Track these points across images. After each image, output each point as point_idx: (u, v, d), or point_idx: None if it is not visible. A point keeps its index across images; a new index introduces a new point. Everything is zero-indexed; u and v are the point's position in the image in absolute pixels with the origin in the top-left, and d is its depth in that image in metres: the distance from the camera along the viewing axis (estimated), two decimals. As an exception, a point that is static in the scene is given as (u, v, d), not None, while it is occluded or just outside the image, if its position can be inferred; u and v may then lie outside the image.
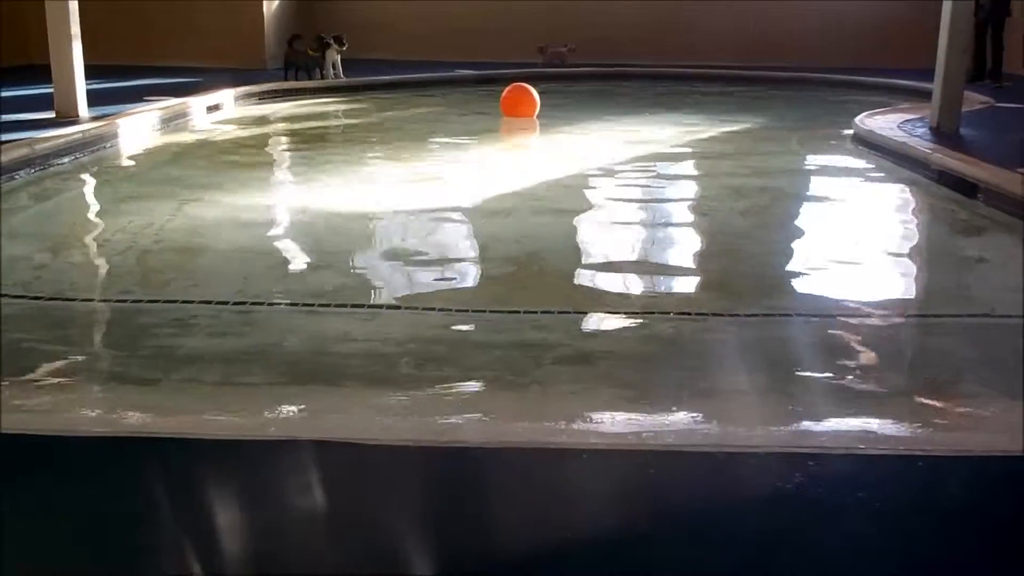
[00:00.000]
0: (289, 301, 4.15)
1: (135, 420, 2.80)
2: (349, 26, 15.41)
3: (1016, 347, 3.74)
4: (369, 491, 2.40)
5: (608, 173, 7.43)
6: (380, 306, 4.10)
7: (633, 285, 4.63)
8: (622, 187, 7.06)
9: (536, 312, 3.98)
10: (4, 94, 9.76)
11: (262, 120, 10.41)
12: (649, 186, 7.14)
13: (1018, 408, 3.05)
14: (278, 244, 5.44)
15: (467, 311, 4.08)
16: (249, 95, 11.37)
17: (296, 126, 10.15)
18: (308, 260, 5.11)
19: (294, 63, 12.37)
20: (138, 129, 8.56)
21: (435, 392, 3.15)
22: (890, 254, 5.24)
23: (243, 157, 8.09)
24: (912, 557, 2.09)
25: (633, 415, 2.91)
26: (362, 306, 4.10)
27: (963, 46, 7.96)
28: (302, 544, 2.15)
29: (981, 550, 2.14)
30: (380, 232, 5.59)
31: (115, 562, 2.07)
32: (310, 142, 9.20)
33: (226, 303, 4.03)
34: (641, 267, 4.88)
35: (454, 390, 3.16)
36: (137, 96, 9.92)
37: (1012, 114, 9.84)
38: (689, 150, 8.75)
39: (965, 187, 6.22)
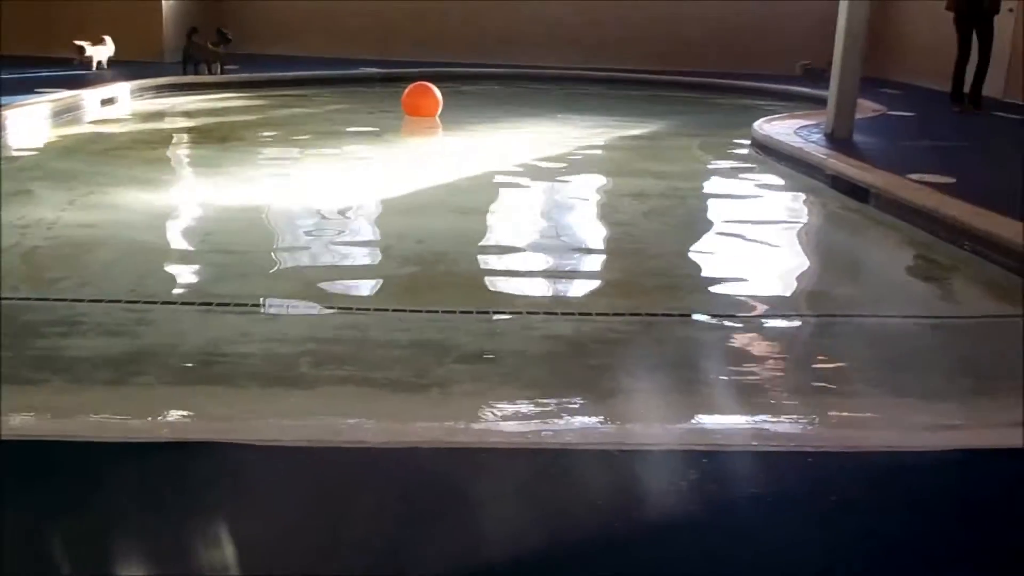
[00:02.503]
0: (185, 300, 4.06)
1: (19, 423, 2.70)
2: (254, 21, 15.23)
3: (904, 345, 3.88)
4: (264, 492, 2.36)
5: (512, 174, 7.46)
6: (281, 306, 4.02)
7: (538, 285, 4.66)
8: (526, 188, 7.09)
9: (438, 311, 3.97)
10: None
11: (159, 115, 10.17)
12: (554, 187, 7.18)
13: (905, 406, 3.17)
14: (176, 241, 5.32)
15: (369, 310, 4.06)
16: (146, 88, 11.11)
17: (195, 122, 9.94)
18: (206, 258, 5.00)
19: (193, 57, 12.12)
20: (27, 122, 8.27)
21: (333, 392, 3.12)
22: (784, 256, 5.37)
23: (138, 152, 7.89)
24: (804, 551, 2.14)
25: (534, 414, 2.92)
26: (260, 306, 4.03)
27: (858, 52, 8.17)
28: (193, 549, 2.10)
29: (869, 543, 2.20)
30: (280, 231, 5.51)
31: (-5, 570, 1.99)
32: (209, 138, 9.01)
33: (118, 301, 3.93)
34: (546, 267, 4.91)
35: (353, 390, 3.13)
36: (28, 88, 9.58)
37: (903, 121, 10.20)
38: (594, 152, 8.83)
39: (857, 192, 6.42)
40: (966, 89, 10.77)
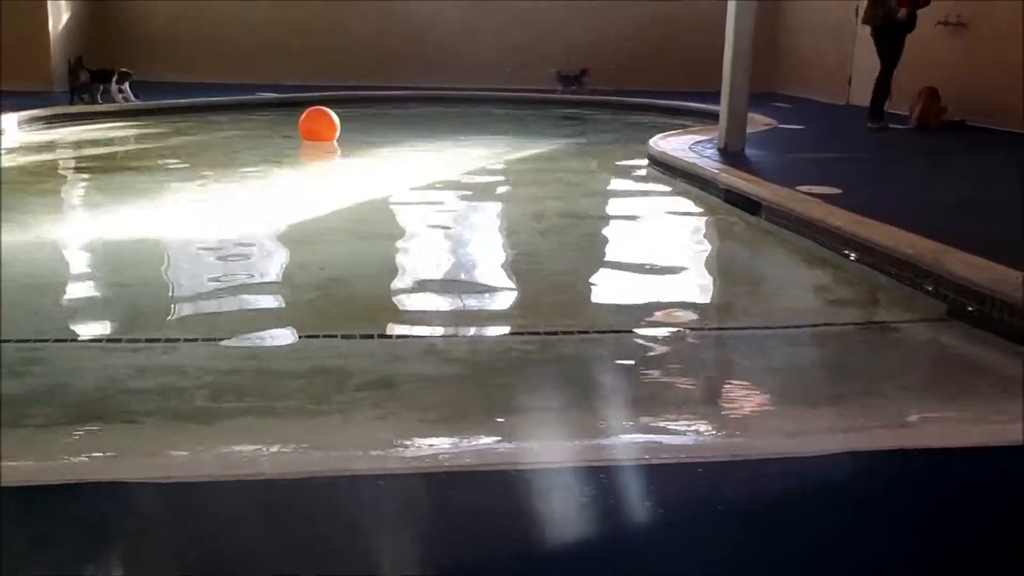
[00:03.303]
0: (79, 337, 3.98)
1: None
2: (146, 46, 14.96)
3: (794, 354, 4.01)
4: (166, 529, 2.33)
5: (411, 197, 7.49)
6: (176, 340, 3.97)
7: (437, 307, 4.68)
8: (425, 211, 7.11)
9: (337, 337, 3.97)
10: None
11: (50, 146, 9.93)
12: (452, 209, 7.22)
13: (795, 413, 3.28)
14: (69, 277, 5.20)
15: (267, 340, 4.03)
16: (35, 119, 10.83)
17: (87, 152, 9.73)
18: (101, 293, 4.90)
19: (78, 87, 11.87)
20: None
21: (233, 424, 3.09)
22: (679, 270, 5.49)
23: (29, 185, 7.69)
24: (698, 559, 2.21)
25: (432, 438, 2.94)
26: (158, 340, 3.96)
27: (747, 68, 8.42)
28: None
29: (762, 550, 2.27)
30: (175, 262, 5.43)
31: None
32: (103, 168, 8.83)
33: (9, 340, 3.83)
34: (445, 289, 4.93)
35: (252, 422, 3.11)
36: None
37: (793, 135, 10.51)
38: (493, 173, 8.89)
39: (750, 204, 6.61)
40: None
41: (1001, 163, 8.48)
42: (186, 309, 4.53)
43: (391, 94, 14.81)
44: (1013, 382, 3.60)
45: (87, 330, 4.20)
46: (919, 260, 4.59)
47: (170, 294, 4.78)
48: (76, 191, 8.07)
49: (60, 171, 8.89)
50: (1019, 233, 5.36)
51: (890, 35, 10.25)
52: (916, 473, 2.71)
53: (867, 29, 10.71)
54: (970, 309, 4.18)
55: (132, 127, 11.24)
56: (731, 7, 8.29)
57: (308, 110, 10.24)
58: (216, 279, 5.02)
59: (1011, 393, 3.49)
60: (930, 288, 4.47)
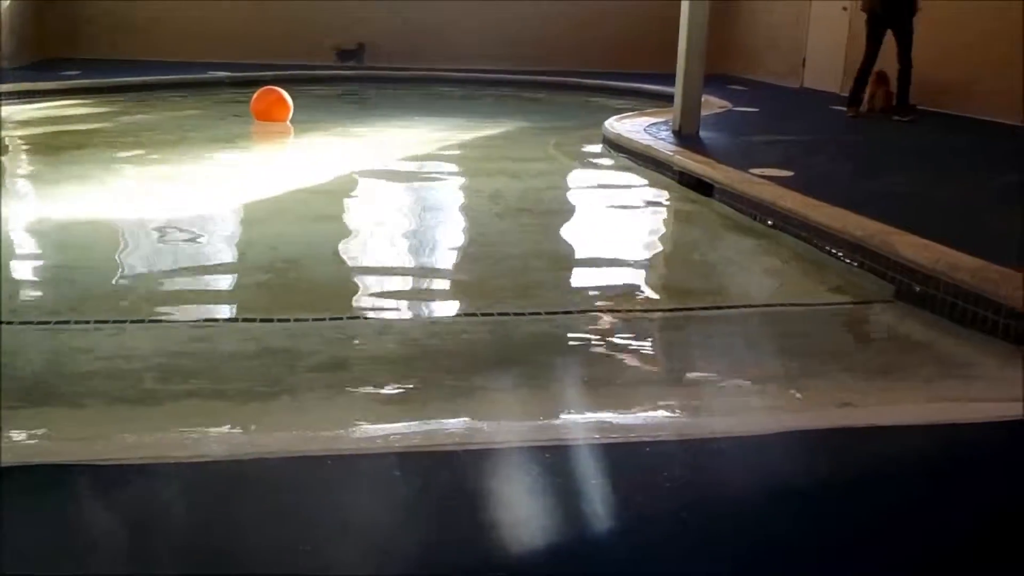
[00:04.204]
0: (24, 319, 3.91)
1: None
2: (97, 23, 14.69)
3: (742, 336, 4.05)
4: (112, 512, 2.31)
5: (366, 177, 7.44)
6: (124, 321, 3.92)
7: (392, 289, 4.66)
8: (380, 191, 7.08)
9: (289, 320, 3.94)
10: None
11: (-5, 124, 9.73)
12: (408, 190, 7.20)
13: (742, 393, 3.32)
14: (14, 257, 5.10)
15: (218, 321, 4.00)
16: (-20, 97, 10.59)
17: (36, 131, 9.54)
18: (47, 274, 4.83)
19: None
20: None
21: (181, 406, 3.06)
22: (633, 252, 5.53)
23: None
24: (643, 537, 2.23)
25: (383, 418, 2.94)
26: (106, 321, 3.91)
27: (701, 50, 8.46)
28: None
29: (706, 530, 2.30)
30: (127, 242, 5.36)
31: None
32: (51, 148, 8.67)
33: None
34: (400, 271, 4.92)
35: (200, 404, 3.08)
36: None
37: (747, 117, 10.59)
38: (449, 154, 8.87)
39: (703, 186, 6.65)
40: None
41: (949, 147, 8.61)
42: (135, 290, 4.47)
43: (342, 74, 14.68)
44: (955, 362, 3.67)
45: (34, 312, 4.13)
46: (867, 242, 4.66)
47: (119, 275, 4.71)
48: (21, 171, 7.92)
49: (3, 150, 8.71)
50: (965, 215, 5.45)
51: (887, 22, 9.85)
52: (860, 451, 2.76)
53: (827, 10, 10.72)
54: (917, 290, 4.25)
55: (81, 106, 11.03)
56: (686, -8, 8.33)
57: (260, 90, 10.11)
58: (165, 261, 4.97)
59: (953, 373, 3.56)
60: (878, 269, 4.54)
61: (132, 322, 3.90)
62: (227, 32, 15.36)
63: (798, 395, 3.31)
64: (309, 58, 15.14)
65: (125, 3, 14.88)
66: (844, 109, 10.69)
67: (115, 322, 3.90)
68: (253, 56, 14.93)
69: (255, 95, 10.02)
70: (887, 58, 10.21)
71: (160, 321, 3.97)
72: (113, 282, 4.58)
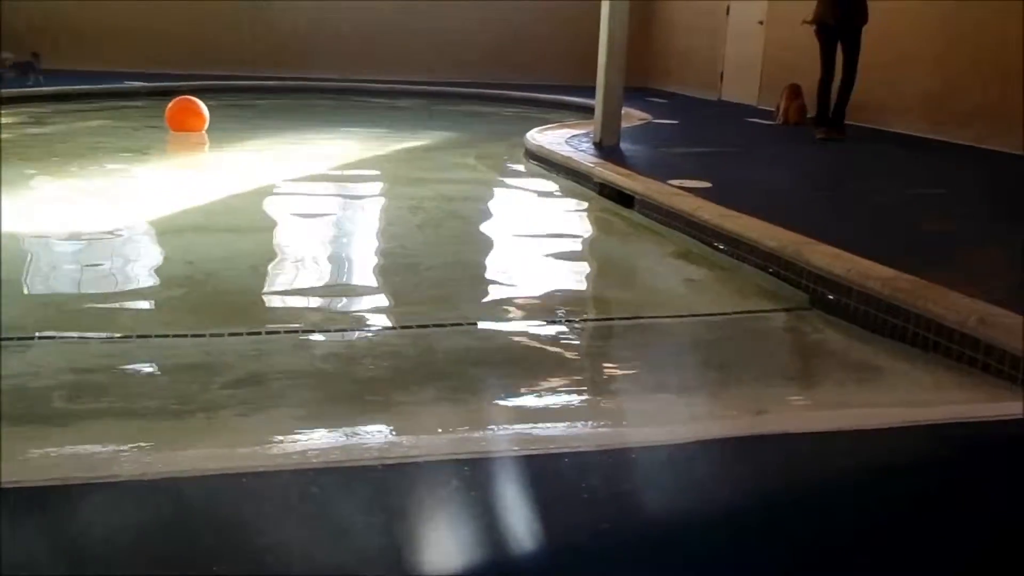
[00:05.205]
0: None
1: None
2: (11, 29, 14.28)
3: (660, 346, 4.09)
4: (21, 534, 2.23)
5: (285, 190, 7.35)
6: (31, 337, 3.80)
7: (308, 302, 4.60)
8: (300, 204, 7.01)
9: (205, 335, 3.86)
10: None
11: None
12: (328, 202, 7.13)
13: (656, 402, 3.35)
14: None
15: (131, 337, 3.89)
16: None
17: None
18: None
19: None
20: None
21: (90, 425, 2.98)
22: (553, 262, 5.54)
23: None
24: (564, 547, 2.23)
25: (300, 434, 2.90)
26: (12, 339, 3.78)
27: (620, 64, 8.55)
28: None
29: (623, 538, 2.30)
30: (33, 255, 5.20)
31: None
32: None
33: None
34: (318, 284, 4.86)
35: (109, 422, 3.00)
36: None
37: (666, 129, 10.73)
38: (369, 166, 8.80)
39: (623, 198, 6.71)
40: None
41: (858, 158, 8.82)
42: (42, 307, 4.34)
43: (264, 84, 14.52)
44: (869, 369, 3.75)
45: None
46: (782, 252, 4.74)
47: (25, 291, 4.57)
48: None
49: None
50: (874, 225, 5.59)
51: (837, 34, 9.47)
52: (775, 458, 2.79)
53: (743, 26, 10.87)
54: (830, 298, 4.34)
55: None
56: (605, 6, 8.40)
57: (175, 99, 9.93)
58: (77, 275, 4.83)
59: (865, 380, 3.64)
60: (793, 279, 4.62)
61: (40, 338, 3.78)
62: (145, 39, 15.08)
63: (712, 403, 3.35)
64: (230, 67, 14.96)
65: (35, 9, 14.50)
66: (760, 121, 10.90)
67: (20, 339, 3.77)
68: (171, 65, 14.70)
69: (170, 105, 9.84)
70: (807, 73, 10.41)
71: (69, 338, 3.85)
72: (18, 299, 4.43)
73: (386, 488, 2.46)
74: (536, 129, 9.64)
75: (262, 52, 15.46)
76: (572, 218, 6.93)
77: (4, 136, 9.55)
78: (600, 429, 3.07)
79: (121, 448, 2.76)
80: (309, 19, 15.61)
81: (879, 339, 3.96)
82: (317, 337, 4.04)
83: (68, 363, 3.58)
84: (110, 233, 5.66)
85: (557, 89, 14.64)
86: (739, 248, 5.12)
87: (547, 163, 8.34)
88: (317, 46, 15.66)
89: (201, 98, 10.04)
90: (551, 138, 9.06)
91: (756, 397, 3.36)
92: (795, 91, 11.28)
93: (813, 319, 4.33)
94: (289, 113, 12.79)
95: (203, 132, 9.67)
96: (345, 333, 4.11)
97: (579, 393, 3.47)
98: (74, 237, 5.50)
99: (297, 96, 14.19)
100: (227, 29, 15.44)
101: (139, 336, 3.92)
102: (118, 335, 3.90)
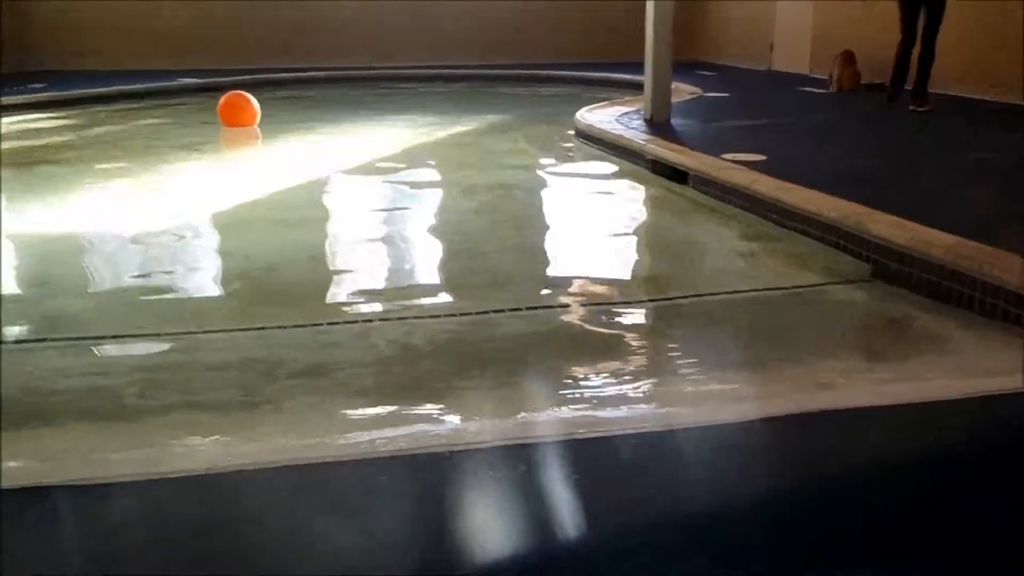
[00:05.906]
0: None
1: None
2: (58, 31, 14.57)
3: (721, 323, 4.06)
4: (102, 533, 2.29)
5: (339, 180, 7.41)
6: (102, 337, 3.88)
7: (370, 292, 4.63)
8: (355, 193, 7.05)
9: (267, 328, 3.91)
10: None
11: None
12: (381, 191, 7.16)
13: (720, 381, 3.32)
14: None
15: (196, 332, 3.95)
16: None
17: (4, 145, 9.43)
18: (22, 291, 4.77)
19: None
20: None
21: (160, 421, 3.03)
22: (610, 242, 5.52)
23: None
24: (626, 530, 2.23)
25: (366, 423, 2.92)
26: (81, 338, 3.87)
27: (668, 38, 8.46)
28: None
29: (689, 518, 2.30)
30: (101, 255, 5.31)
31: None
32: (21, 163, 8.57)
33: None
34: (378, 272, 4.89)
35: (180, 417, 3.05)
36: None
37: (717, 103, 10.60)
38: (420, 152, 8.83)
39: (676, 174, 6.65)
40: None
41: (918, 126, 8.64)
42: (110, 305, 4.43)
43: (312, 75, 14.62)
44: (936, 339, 3.68)
45: (8, 332, 4.08)
46: (842, 223, 4.67)
47: (93, 291, 4.66)
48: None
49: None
50: (937, 192, 5.48)
51: (903, 3, 9.04)
52: (842, 434, 2.76)
53: None
54: (892, 268, 4.27)
55: (46, 119, 10.92)
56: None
57: (226, 95, 10.03)
58: (139, 274, 4.92)
59: (935, 350, 3.58)
60: (854, 250, 4.55)
61: (110, 337, 3.86)
62: (192, 37, 15.26)
63: (777, 379, 3.31)
64: (278, 61, 15.08)
65: (80, 13, 14.73)
66: (814, 90, 10.72)
67: (91, 339, 3.85)
68: (220, 62, 14.86)
69: (221, 100, 9.95)
70: (859, 40, 10.23)
71: (135, 335, 3.92)
72: (86, 298, 4.52)
73: (455, 475, 2.48)
74: (585, 108, 9.59)
75: (298, 45, 15.55)
76: (626, 197, 6.89)
77: (62, 139, 9.74)
78: (662, 410, 3.05)
79: (193, 442, 2.81)
80: (350, 10, 15.65)
81: (945, 307, 3.89)
82: (380, 324, 4.06)
83: (137, 362, 3.64)
84: (169, 231, 5.73)
85: (606, 67, 14.53)
86: (797, 221, 5.05)
87: (598, 142, 8.29)
88: (351, 37, 15.70)
89: (249, 92, 10.14)
90: (601, 116, 9.01)
91: (819, 371, 3.31)
92: (848, 58, 11.08)
93: (876, 290, 4.27)
94: (335, 104, 12.85)
95: (255, 126, 9.76)
96: (404, 321, 4.12)
97: (637, 374, 3.44)
98: (135, 236, 5.58)
99: (342, 86, 14.24)
100: (272, 23, 15.54)
101: (204, 332, 3.98)
102: (183, 331, 3.96)
